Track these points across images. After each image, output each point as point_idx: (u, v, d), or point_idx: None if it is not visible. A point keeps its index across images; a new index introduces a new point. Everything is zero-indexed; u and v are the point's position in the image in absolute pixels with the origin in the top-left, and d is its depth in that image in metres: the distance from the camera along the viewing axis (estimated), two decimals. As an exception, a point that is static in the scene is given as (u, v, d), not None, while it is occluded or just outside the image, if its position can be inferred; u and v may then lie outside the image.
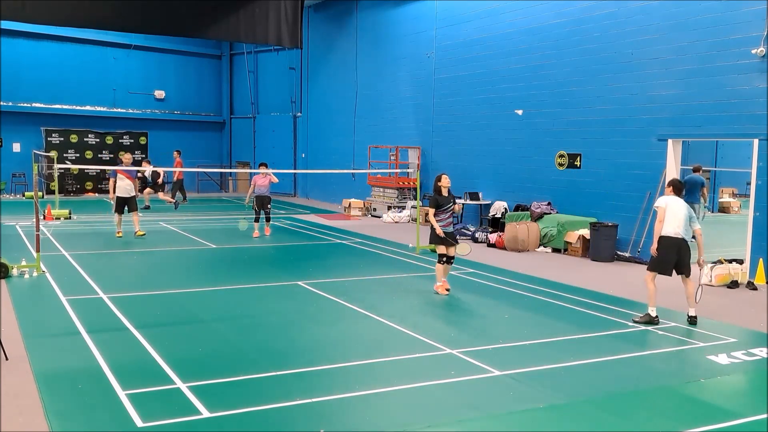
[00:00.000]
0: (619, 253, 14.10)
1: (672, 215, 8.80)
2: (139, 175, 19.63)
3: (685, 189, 16.89)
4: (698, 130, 13.30)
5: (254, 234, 16.34)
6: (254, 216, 16.38)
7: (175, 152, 23.82)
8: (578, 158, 15.74)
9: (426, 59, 21.06)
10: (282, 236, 16.77)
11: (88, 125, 29.19)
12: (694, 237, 8.96)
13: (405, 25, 22.20)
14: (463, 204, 10.46)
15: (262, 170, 15.99)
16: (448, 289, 10.42)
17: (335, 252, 14.92)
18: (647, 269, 9.04)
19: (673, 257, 8.76)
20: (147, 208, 22.20)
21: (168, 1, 19.81)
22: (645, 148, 14.16)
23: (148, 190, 22.47)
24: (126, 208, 15.68)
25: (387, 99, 23.22)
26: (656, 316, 8.84)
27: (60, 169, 26.16)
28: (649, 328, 8.68)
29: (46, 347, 7.35)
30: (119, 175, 15.51)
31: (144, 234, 15.84)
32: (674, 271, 8.90)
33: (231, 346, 7.62)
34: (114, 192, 15.56)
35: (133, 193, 15.76)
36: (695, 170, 16.83)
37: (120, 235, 15.61)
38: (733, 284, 11.52)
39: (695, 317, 8.90)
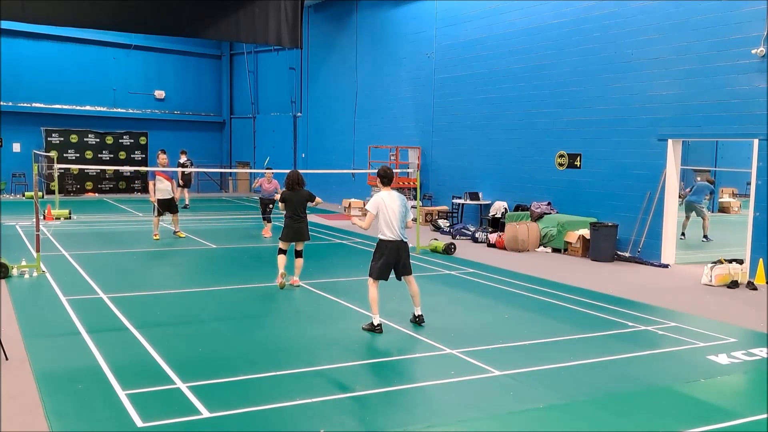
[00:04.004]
0: (619, 253, 14.09)
1: (390, 216, 8.18)
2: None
3: (693, 190, 17.25)
4: (698, 130, 13.29)
5: (263, 231, 16.77)
6: (262, 216, 16.82)
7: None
8: (578, 158, 15.74)
9: (426, 59, 21.05)
10: (282, 236, 16.77)
11: (88, 125, 29.21)
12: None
13: (405, 25, 22.20)
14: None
15: (268, 173, 16.36)
16: (282, 285, 10.57)
17: (335, 252, 14.92)
18: (370, 275, 8.27)
19: (393, 261, 8.23)
20: (186, 207, 22.66)
21: (168, 1, 19.82)
22: (645, 148, 14.16)
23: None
24: (167, 210, 15.41)
25: (387, 99, 23.21)
26: (379, 325, 8.15)
27: (60, 169, 26.18)
28: (649, 327, 8.68)
29: (46, 347, 7.35)
30: (158, 177, 15.11)
31: (184, 236, 15.76)
32: (394, 274, 8.36)
33: (231, 346, 7.61)
34: (154, 195, 15.12)
35: (173, 194, 15.48)
36: (709, 181, 18.46)
37: (157, 237, 15.24)
38: (733, 284, 11.51)
39: (421, 316, 8.46)
